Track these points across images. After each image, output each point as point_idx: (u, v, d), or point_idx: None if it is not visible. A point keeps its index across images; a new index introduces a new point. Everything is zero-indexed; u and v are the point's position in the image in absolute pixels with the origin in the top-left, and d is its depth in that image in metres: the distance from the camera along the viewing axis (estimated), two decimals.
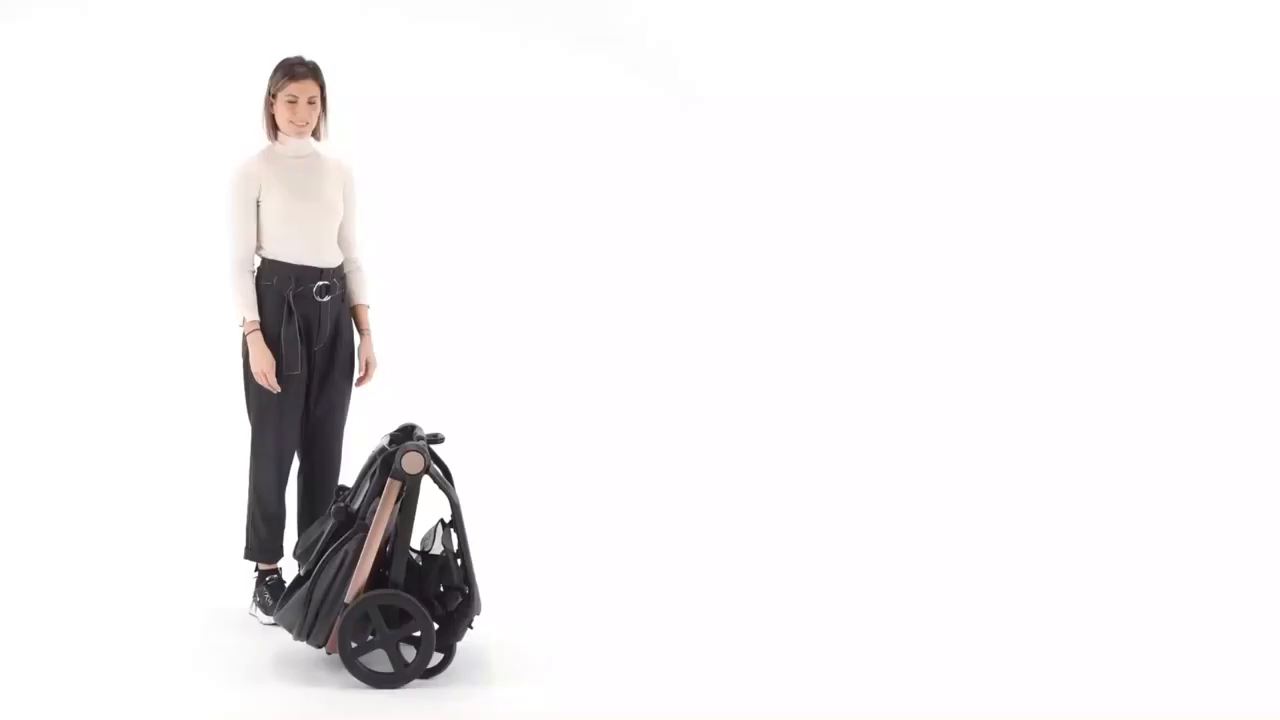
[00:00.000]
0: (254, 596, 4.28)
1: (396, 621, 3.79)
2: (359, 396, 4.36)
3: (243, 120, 6.71)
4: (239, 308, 4.13)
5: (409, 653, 3.82)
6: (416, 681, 3.81)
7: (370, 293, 4.36)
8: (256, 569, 4.31)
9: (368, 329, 4.33)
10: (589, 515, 5.51)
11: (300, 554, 3.95)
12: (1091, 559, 5.11)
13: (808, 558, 5.07)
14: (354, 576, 3.77)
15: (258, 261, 4.17)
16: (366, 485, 3.89)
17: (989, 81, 6.88)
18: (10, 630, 4.16)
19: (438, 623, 3.85)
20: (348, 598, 3.75)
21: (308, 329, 4.14)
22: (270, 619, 4.17)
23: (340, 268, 4.23)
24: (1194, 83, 6.76)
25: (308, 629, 3.79)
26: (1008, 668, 4.06)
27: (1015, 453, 6.25)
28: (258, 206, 4.12)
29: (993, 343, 6.78)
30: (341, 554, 3.78)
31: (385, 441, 3.93)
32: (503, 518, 5.05)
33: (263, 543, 4.27)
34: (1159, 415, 6.48)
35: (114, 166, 6.70)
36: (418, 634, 3.83)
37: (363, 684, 3.76)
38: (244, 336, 4.15)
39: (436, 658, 3.86)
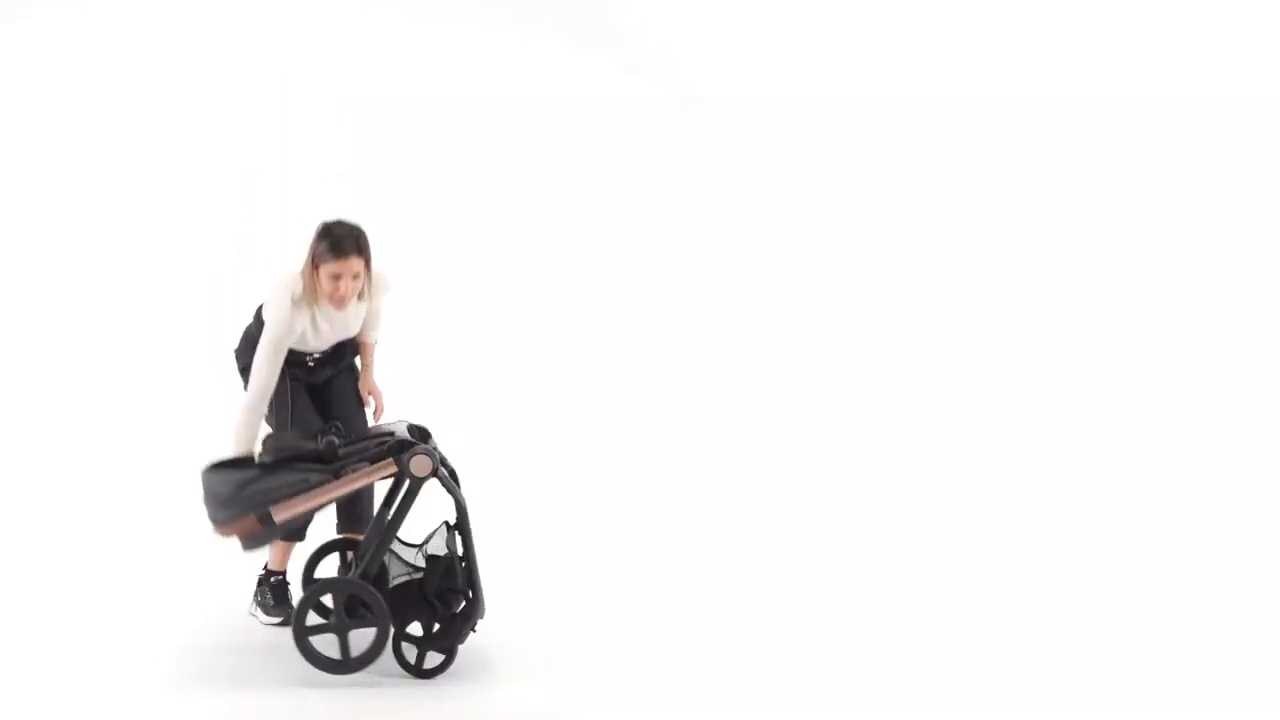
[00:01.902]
0: (255, 597, 4.28)
1: (356, 612, 3.79)
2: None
3: (242, 120, 6.79)
4: (237, 442, 3.95)
5: (410, 653, 3.84)
6: (417, 681, 3.82)
7: (379, 331, 4.34)
8: (264, 567, 4.30)
9: (369, 364, 4.34)
10: (590, 516, 5.51)
11: (270, 449, 3.88)
12: (1091, 559, 5.12)
13: (807, 557, 5.07)
14: (296, 502, 3.73)
15: None
16: (370, 449, 3.88)
17: (989, 81, 6.88)
18: (10, 630, 4.16)
19: (439, 623, 3.85)
20: (277, 517, 3.72)
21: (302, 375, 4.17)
22: (271, 619, 4.17)
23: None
24: (1194, 83, 6.75)
25: (221, 503, 3.72)
26: (1006, 671, 4.07)
27: (1014, 452, 6.25)
28: None
29: (992, 342, 6.77)
30: (302, 477, 3.75)
31: (403, 429, 3.93)
32: (504, 518, 5.04)
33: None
34: (1158, 415, 6.48)
35: (114, 166, 6.69)
36: (419, 633, 3.84)
37: (323, 670, 3.76)
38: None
39: (436, 659, 3.86)
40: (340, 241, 3.94)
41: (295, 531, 4.24)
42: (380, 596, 3.76)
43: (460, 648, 3.90)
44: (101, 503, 5.46)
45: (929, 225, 7.02)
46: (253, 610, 4.27)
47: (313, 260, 3.97)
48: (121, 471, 5.75)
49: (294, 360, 4.12)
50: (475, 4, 7.02)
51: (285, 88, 6.79)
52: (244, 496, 3.71)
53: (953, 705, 3.80)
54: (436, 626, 3.86)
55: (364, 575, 3.79)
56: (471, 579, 3.86)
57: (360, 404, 4.34)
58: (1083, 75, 6.85)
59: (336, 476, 3.77)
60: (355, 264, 3.95)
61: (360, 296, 4.07)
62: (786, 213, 7.10)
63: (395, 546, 4.08)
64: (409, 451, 3.78)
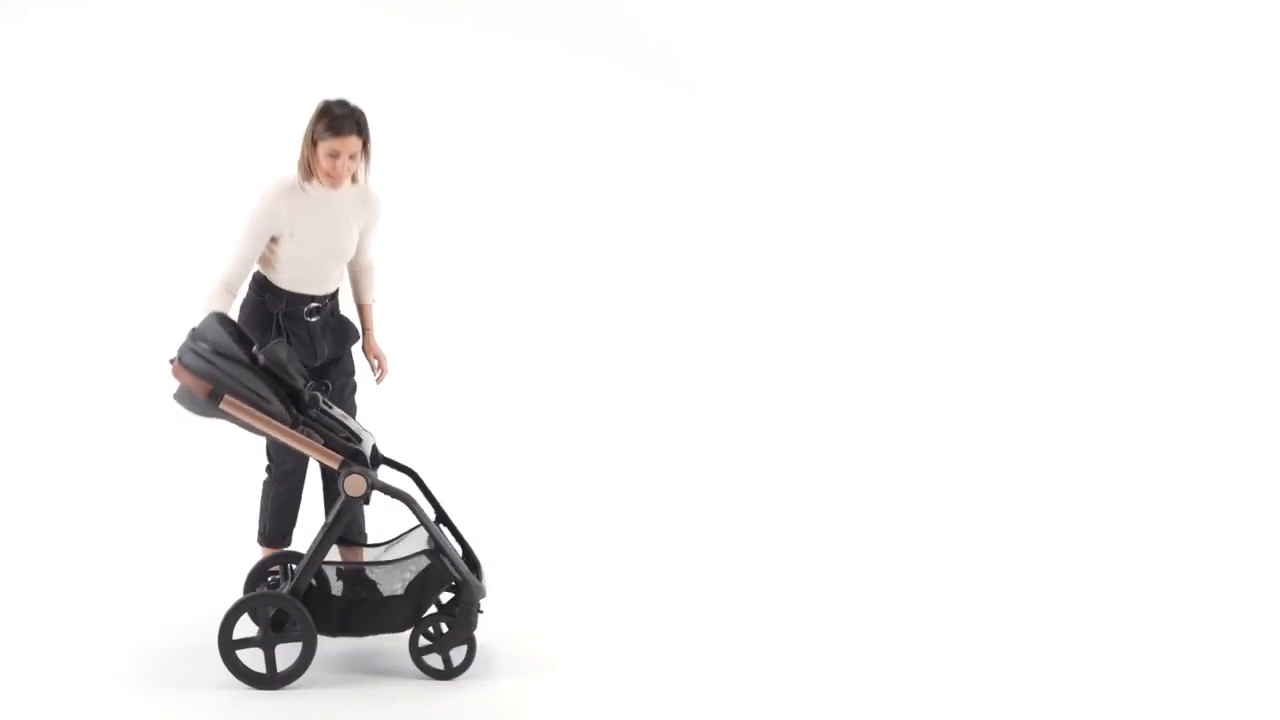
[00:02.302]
0: None
1: (280, 626, 3.77)
2: (374, 394, 4.38)
3: (239, 119, 6.78)
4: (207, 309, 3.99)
5: (435, 659, 3.83)
6: (415, 682, 3.81)
7: (375, 290, 4.38)
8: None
9: (370, 327, 4.37)
10: (589, 515, 5.50)
11: (269, 354, 3.80)
12: (1091, 561, 5.11)
13: (806, 555, 5.06)
14: (245, 410, 3.69)
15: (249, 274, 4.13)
16: (334, 434, 3.84)
17: (989, 80, 6.87)
18: (2, 632, 4.16)
19: (448, 625, 3.83)
20: (222, 405, 3.68)
21: (301, 347, 4.11)
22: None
23: (335, 294, 4.19)
24: (1194, 83, 6.75)
25: (196, 350, 3.70)
26: (1011, 673, 4.06)
27: (1015, 453, 6.25)
28: (273, 239, 4.05)
29: (992, 340, 6.77)
30: (267, 398, 3.71)
31: (370, 443, 3.93)
32: (503, 518, 5.04)
33: (268, 533, 4.27)
34: (1158, 416, 6.47)
35: (113, 166, 6.69)
36: (427, 643, 3.82)
37: (243, 682, 3.74)
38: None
39: (461, 653, 3.85)
40: (339, 120, 3.95)
41: (280, 538, 4.25)
42: (307, 612, 3.73)
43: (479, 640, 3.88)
44: (101, 502, 5.45)
45: (929, 223, 7.02)
46: None
47: (311, 138, 3.99)
48: (119, 471, 5.74)
49: (292, 314, 4.08)
50: (475, 4, 7.02)
51: (284, 88, 6.77)
52: (217, 362, 3.70)
53: (952, 705, 3.79)
54: (445, 627, 3.86)
55: (294, 590, 3.76)
56: (456, 566, 3.84)
57: (354, 410, 4.32)
58: (1083, 75, 6.84)
59: (291, 424, 3.75)
60: (353, 143, 3.97)
61: (355, 180, 4.07)
62: (786, 212, 7.09)
63: (381, 556, 4.07)
64: (348, 469, 3.77)
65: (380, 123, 6.65)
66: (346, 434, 3.87)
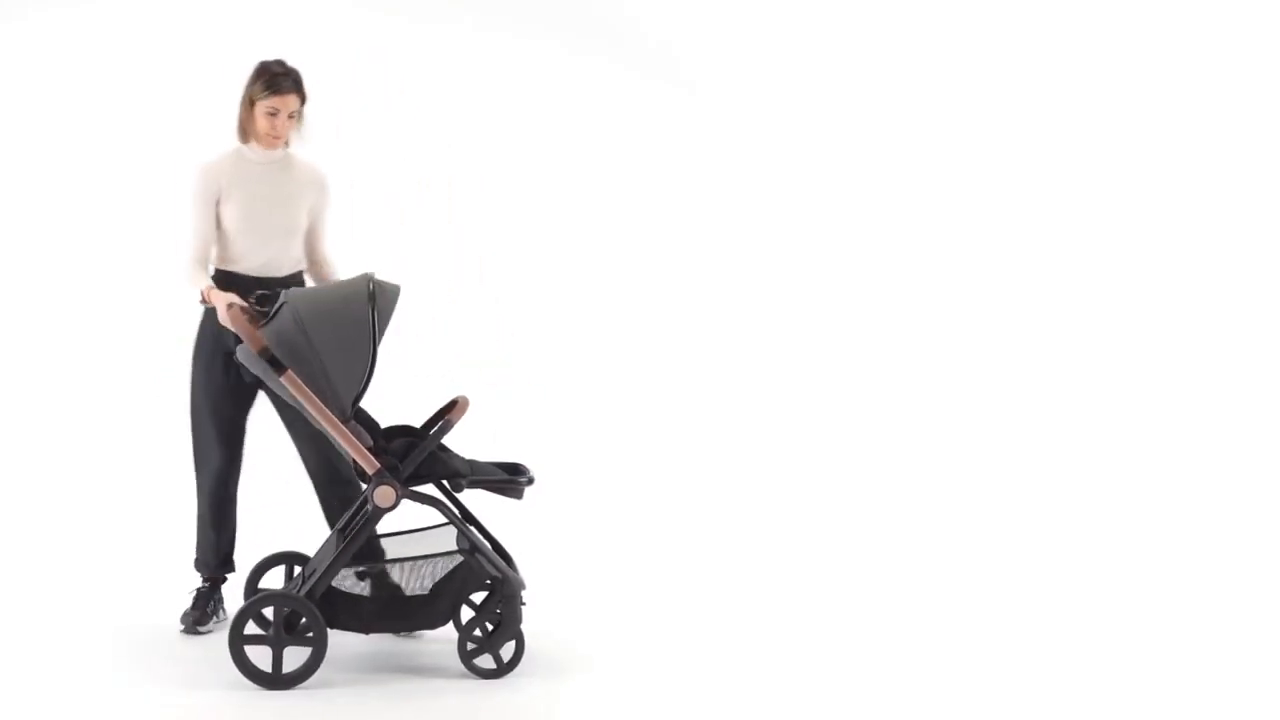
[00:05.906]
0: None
1: (292, 628, 3.73)
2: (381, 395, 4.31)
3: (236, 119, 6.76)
4: (192, 286, 4.03)
5: (486, 660, 3.82)
6: (421, 681, 3.80)
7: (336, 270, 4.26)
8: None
9: None
10: (596, 514, 5.50)
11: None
12: (1091, 562, 5.11)
13: (815, 554, 5.08)
14: (302, 380, 3.64)
15: (212, 270, 4.11)
16: (383, 440, 3.81)
17: (990, 79, 6.87)
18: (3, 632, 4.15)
19: (492, 624, 3.81)
20: (281, 374, 3.63)
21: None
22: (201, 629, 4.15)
23: (291, 277, 4.14)
24: (1194, 83, 6.75)
25: (277, 316, 3.67)
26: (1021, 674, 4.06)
27: (1018, 454, 6.25)
28: (217, 211, 4.07)
29: (993, 339, 6.77)
30: (324, 379, 3.66)
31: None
32: (514, 518, 5.04)
33: (201, 554, 4.23)
34: (1158, 417, 6.47)
35: (111, 167, 6.68)
36: (474, 645, 3.79)
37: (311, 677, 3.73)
38: (204, 313, 4.09)
39: (510, 649, 3.83)
40: (277, 79, 4.03)
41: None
42: (321, 618, 3.70)
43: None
44: (104, 501, 5.44)
45: (930, 224, 7.02)
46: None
47: (249, 99, 4.05)
48: (122, 469, 5.74)
49: (232, 281, 4.02)
50: (475, 4, 7.00)
51: None
52: (286, 340, 3.64)
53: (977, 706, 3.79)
54: (491, 627, 3.85)
55: (310, 594, 3.73)
56: (493, 563, 3.82)
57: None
58: (1083, 74, 6.84)
59: (342, 416, 3.70)
60: (291, 101, 4.04)
61: (287, 144, 4.08)
62: (788, 213, 7.09)
63: (402, 553, 4.05)
64: (380, 479, 3.75)
65: (379, 122, 6.73)
66: (404, 446, 3.82)
